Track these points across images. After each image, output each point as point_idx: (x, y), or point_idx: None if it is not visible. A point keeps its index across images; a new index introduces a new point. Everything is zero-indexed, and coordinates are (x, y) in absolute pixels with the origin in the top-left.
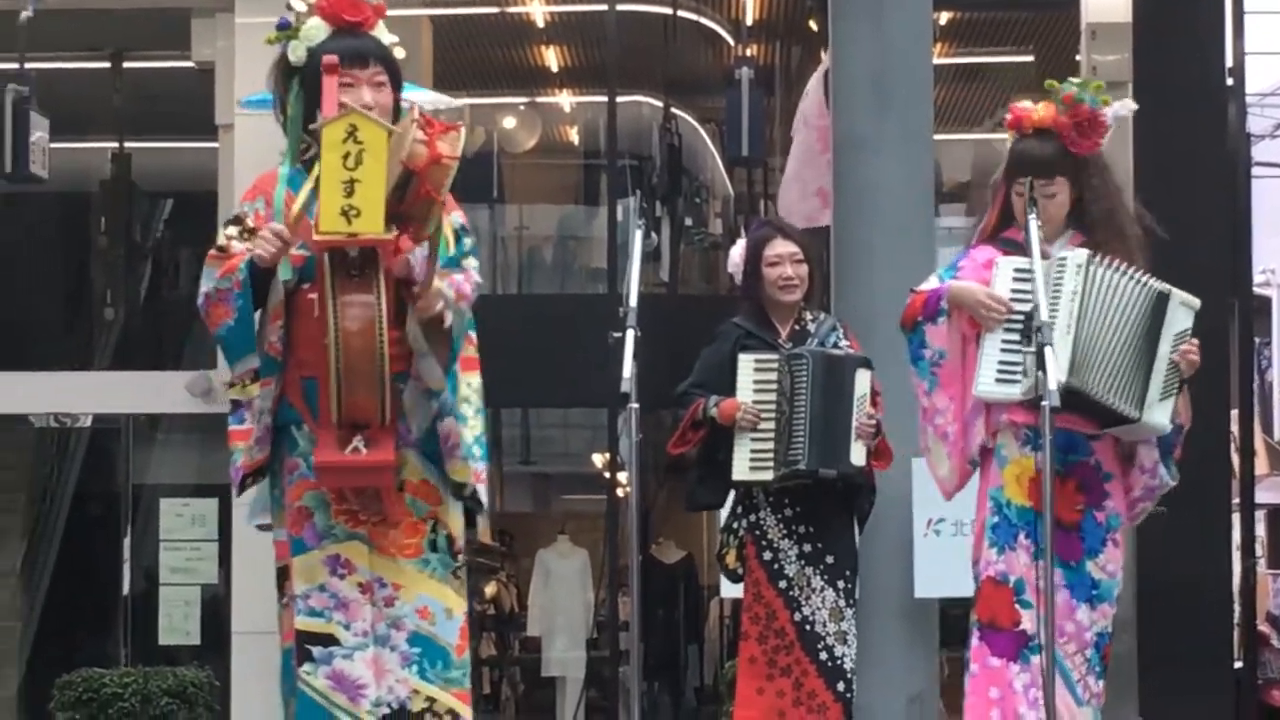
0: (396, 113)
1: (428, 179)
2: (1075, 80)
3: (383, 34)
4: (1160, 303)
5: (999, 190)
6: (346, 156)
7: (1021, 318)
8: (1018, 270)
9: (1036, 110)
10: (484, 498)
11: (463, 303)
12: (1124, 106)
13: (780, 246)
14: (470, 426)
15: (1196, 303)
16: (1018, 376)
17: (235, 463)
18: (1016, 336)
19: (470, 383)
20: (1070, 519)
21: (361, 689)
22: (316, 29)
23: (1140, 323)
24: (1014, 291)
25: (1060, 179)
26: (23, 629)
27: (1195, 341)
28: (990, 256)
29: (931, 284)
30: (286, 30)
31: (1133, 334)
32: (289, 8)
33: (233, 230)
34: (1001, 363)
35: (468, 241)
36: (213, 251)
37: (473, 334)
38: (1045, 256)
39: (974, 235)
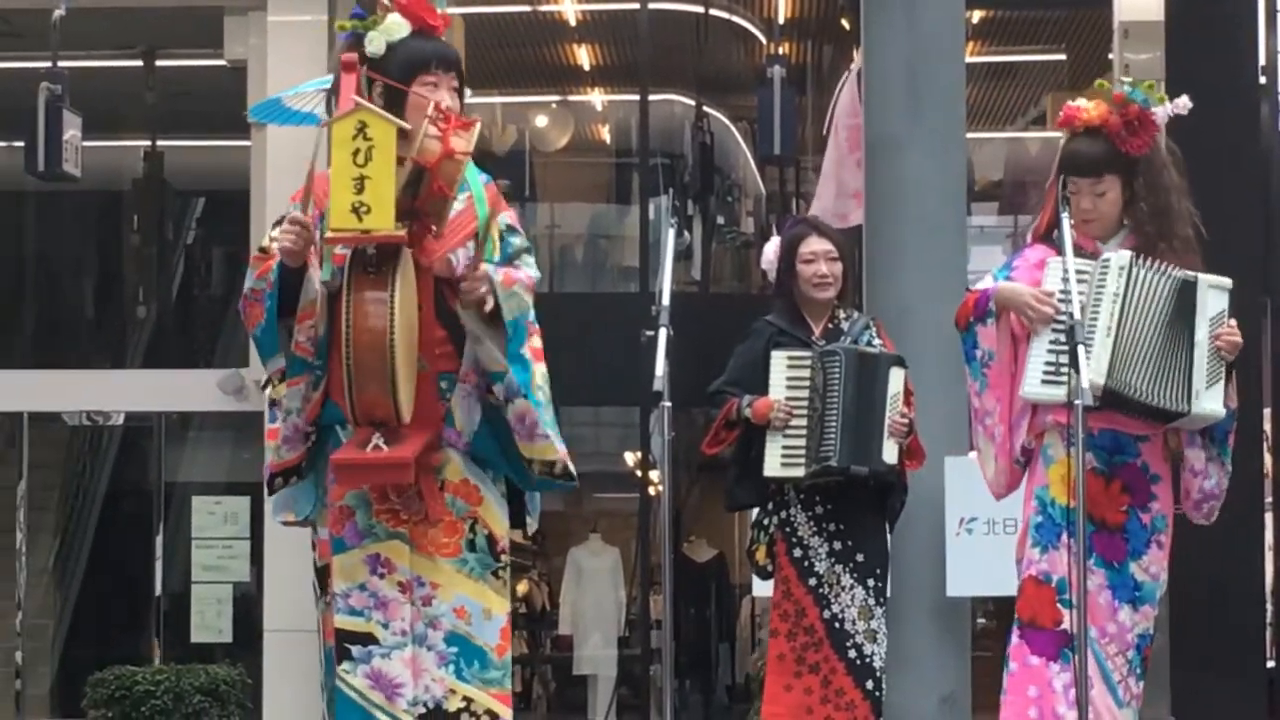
0: None
1: (440, 175)
2: (1127, 80)
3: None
4: (1187, 290)
5: (1051, 190)
6: (356, 153)
7: (1069, 318)
8: (1068, 272)
9: (1088, 109)
10: (574, 472)
11: (514, 286)
12: (1179, 105)
13: (815, 244)
14: (545, 409)
15: (1228, 283)
16: (1064, 378)
17: (268, 461)
18: (1064, 338)
19: (541, 371)
20: (1115, 520)
21: (399, 688)
22: (399, 26)
23: (1171, 314)
24: (1063, 292)
25: (1110, 177)
26: (55, 626)
27: (1233, 322)
28: (1043, 256)
29: (986, 283)
30: (363, 20)
31: (1167, 327)
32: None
33: (277, 232)
34: (1048, 364)
35: (516, 241)
36: (256, 252)
37: (537, 325)
38: (1095, 256)
39: (1028, 234)
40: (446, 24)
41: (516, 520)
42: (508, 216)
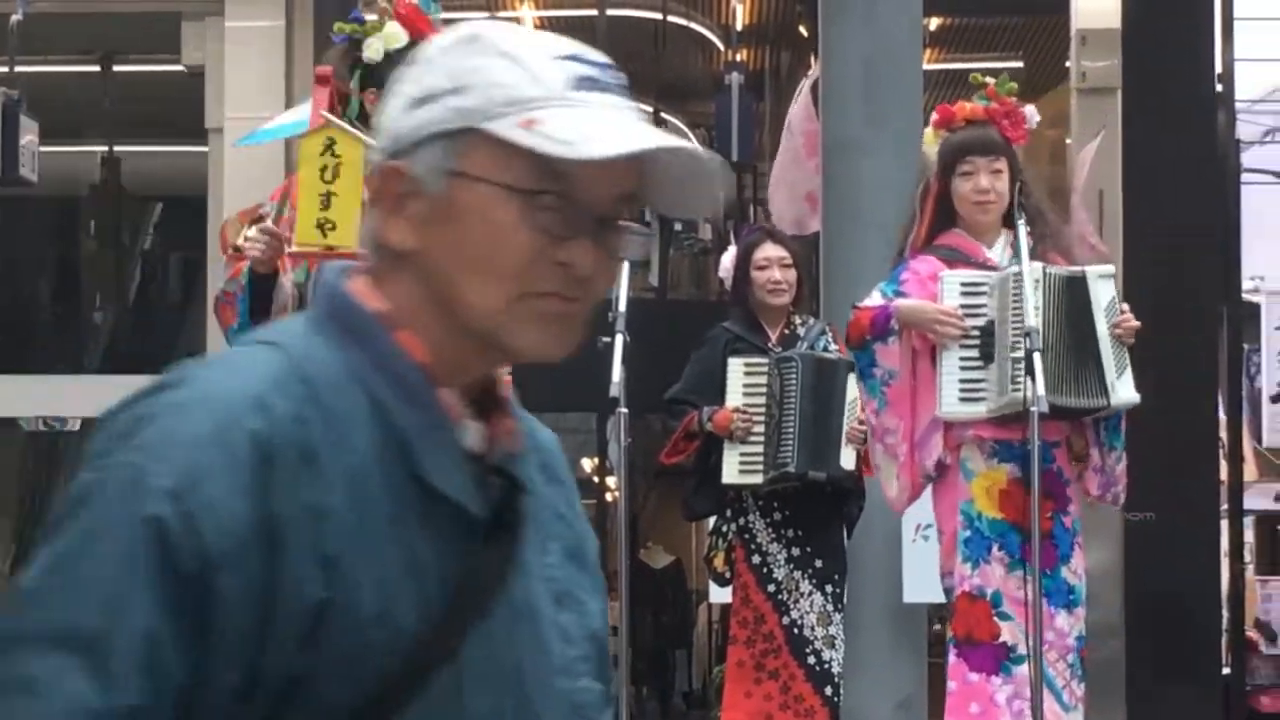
0: None
1: None
2: (988, 78)
3: None
4: (1078, 285)
5: (931, 194)
6: (324, 170)
7: (977, 333)
8: (965, 285)
9: (964, 106)
10: None
11: None
12: (1033, 113)
13: (769, 250)
14: None
15: (1111, 269)
16: (981, 394)
17: None
18: (975, 354)
19: None
20: (1043, 527)
21: None
22: (399, 35)
23: (1070, 312)
24: (963, 306)
25: (1002, 159)
26: None
27: (1125, 307)
28: (933, 269)
29: (875, 300)
30: (362, 25)
31: (1070, 327)
32: (372, 3)
33: (252, 231)
34: (963, 381)
35: None
36: (230, 251)
37: None
38: (986, 264)
39: (907, 245)
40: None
41: None
42: None
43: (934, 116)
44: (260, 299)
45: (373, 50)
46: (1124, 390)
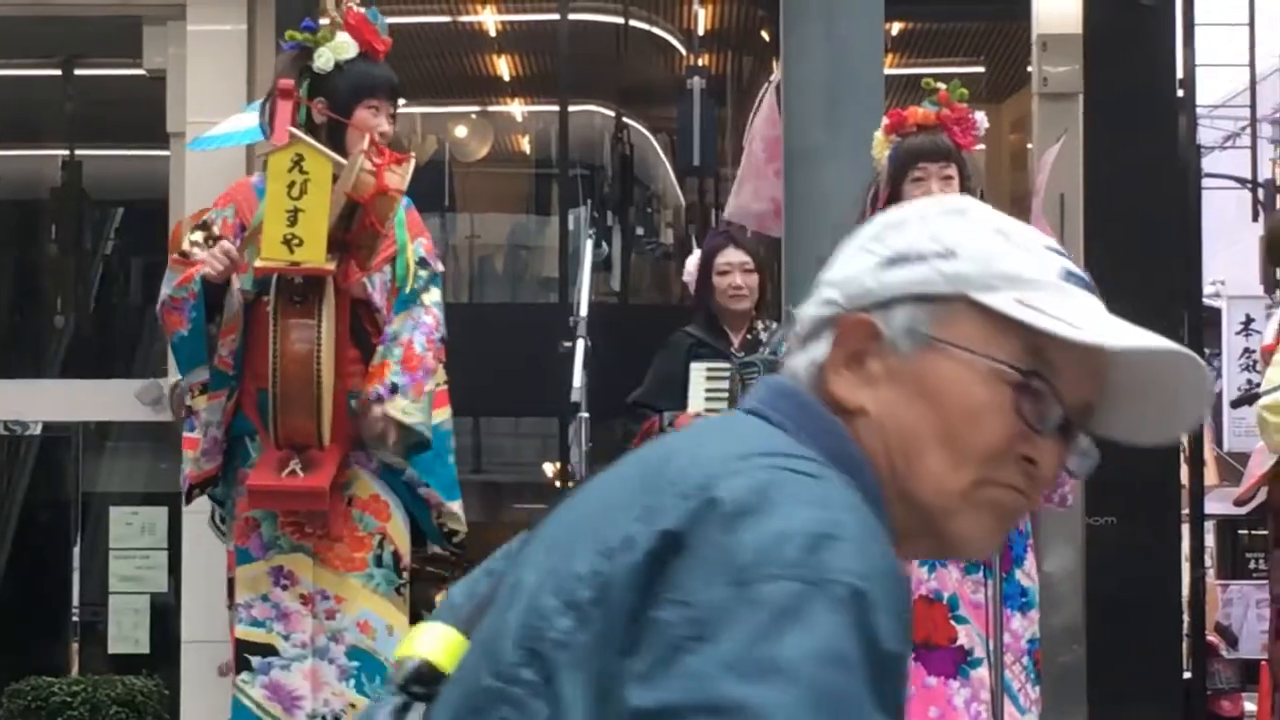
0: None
1: (373, 210)
2: (940, 83)
3: None
4: None
5: (880, 200)
6: (291, 185)
7: None
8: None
9: (916, 111)
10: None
11: (421, 399)
12: (982, 120)
13: (731, 255)
14: (449, 474)
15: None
16: None
17: (184, 471)
18: None
19: (441, 423)
20: None
21: (297, 700)
22: (348, 46)
23: None
24: None
25: (954, 166)
26: None
27: None
28: None
29: None
30: (312, 33)
31: None
32: (323, 12)
33: (198, 236)
34: None
35: (424, 275)
36: (175, 256)
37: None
38: None
39: None
40: (388, 49)
41: (416, 538)
42: (423, 247)
43: (884, 121)
44: (212, 308)
45: (323, 60)
46: None
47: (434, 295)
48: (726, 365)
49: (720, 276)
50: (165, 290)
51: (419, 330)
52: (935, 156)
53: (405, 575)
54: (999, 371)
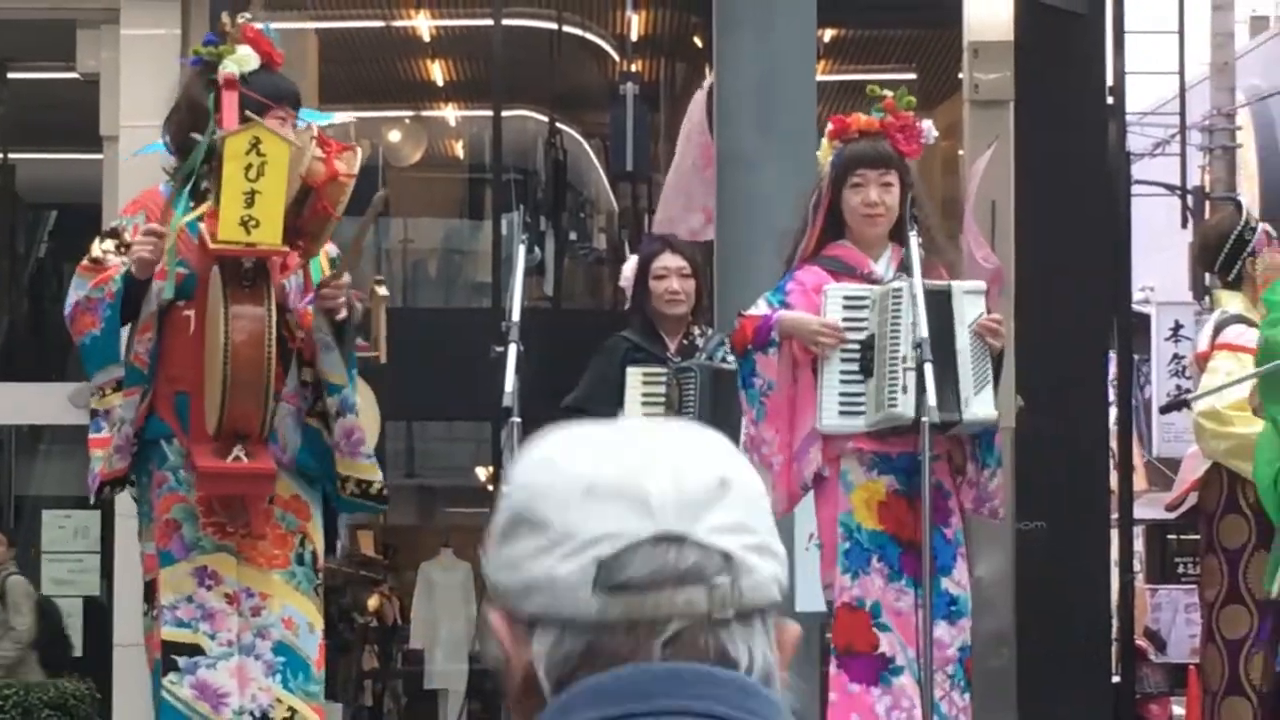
0: None
1: (325, 195)
2: (886, 91)
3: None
4: (941, 299)
5: (821, 206)
6: (249, 168)
7: (857, 347)
8: (847, 298)
9: (860, 117)
10: (387, 495)
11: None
12: (929, 129)
13: (668, 260)
14: (371, 432)
15: (981, 285)
16: (861, 408)
17: (93, 470)
18: (855, 367)
19: (365, 394)
20: (920, 538)
21: (224, 698)
22: (250, 58)
23: (934, 327)
24: (845, 320)
25: (893, 173)
26: None
27: (998, 318)
28: (819, 281)
29: (760, 309)
30: (215, 48)
31: (933, 341)
32: (223, 25)
33: (109, 244)
34: (843, 395)
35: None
36: (85, 263)
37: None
38: (871, 276)
39: (796, 254)
40: (283, 60)
41: (328, 545)
42: (334, 247)
43: (829, 127)
44: (130, 304)
45: (229, 72)
46: (979, 407)
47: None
48: (663, 370)
49: (657, 281)
50: (77, 294)
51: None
52: (875, 163)
53: (321, 576)
54: None
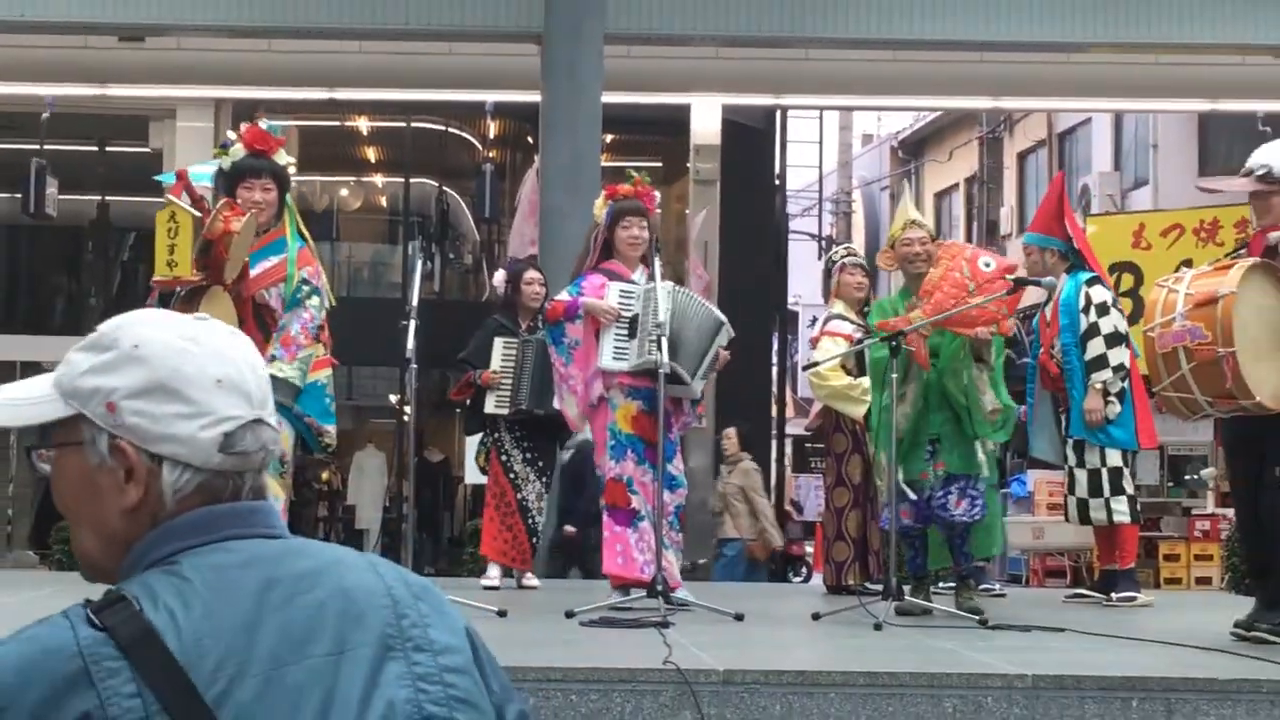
0: (282, 203)
1: (220, 244)
2: (635, 172)
3: (281, 157)
4: (718, 325)
5: (600, 236)
6: (170, 230)
7: (627, 321)
8: (622, 291)
9: (623, 186)
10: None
11: (295, 361)
12: (656, 196)
13: (533, 274)
14: (322, 407)
15: (732, 333)
16: (626, 356)
17: None
18: (625, 332)
19: (319, 378)
20: (656, 439)
21: None
22: (238, 151)
23: (707, 335)
24: (621, 304)
25: (645, 220)
26: None
27: (727, 353)
28: (600, 281)
29: (565, 296)
30: (225, 150)
31: (701, 340)
32: (228, 138)
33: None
34: (616, 348)
35: (306, 288)
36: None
37: (326, 347)
38: (630, 280)
39: (583, 266)
40: (280, 144)
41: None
42: (307, 272)
43: (604, 191)
44: None
45: (226, 162)
46: (699, 385)
47: (314, 301)
48: (516, 340)
49: (526, 286)
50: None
51: (296, 321)
52: (635, 214)
53: (287, 465)
54: None
